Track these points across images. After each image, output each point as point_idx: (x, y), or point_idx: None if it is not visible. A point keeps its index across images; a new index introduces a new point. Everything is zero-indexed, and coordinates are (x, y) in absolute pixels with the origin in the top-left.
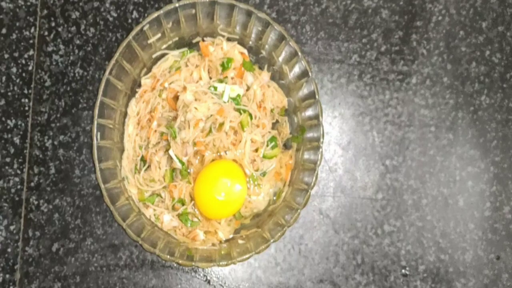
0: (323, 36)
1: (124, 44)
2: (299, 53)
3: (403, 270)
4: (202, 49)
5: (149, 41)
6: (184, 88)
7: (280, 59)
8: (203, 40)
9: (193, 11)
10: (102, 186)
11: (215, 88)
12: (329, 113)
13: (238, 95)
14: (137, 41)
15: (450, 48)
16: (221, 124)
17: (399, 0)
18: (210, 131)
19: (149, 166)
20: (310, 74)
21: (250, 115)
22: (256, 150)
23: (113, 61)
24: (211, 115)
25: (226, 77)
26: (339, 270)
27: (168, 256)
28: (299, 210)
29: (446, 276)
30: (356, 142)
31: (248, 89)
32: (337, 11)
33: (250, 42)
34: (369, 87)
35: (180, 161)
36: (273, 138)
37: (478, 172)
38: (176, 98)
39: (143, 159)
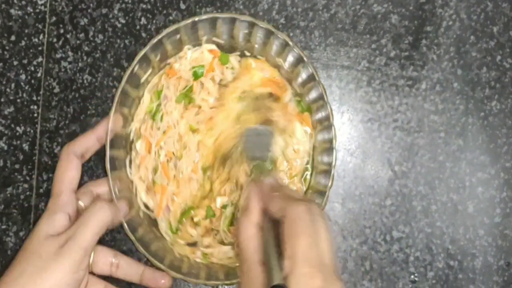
0: (332, 42)
1: (118, 92)
2: (305, 59)
3: (411, 277)
4: (167, 71)
5: (141, 80)
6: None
7: (286, 64)
8: None
9: (178, 36)
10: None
11: None
12: (337, 119)
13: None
14: (131, 84)
15: (461, 53)
16: None
17: (408, 5)
18: None
19: None
20: (326, 98)
21: None
22: None
23: (112, 112)
24: None
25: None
26: (347, 276)
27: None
28: None
29: (455, 282)
30: (364, 148)
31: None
32: (346, 16)
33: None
34: (378, 93)
35: None
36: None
37: (488, 178)
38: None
39: None
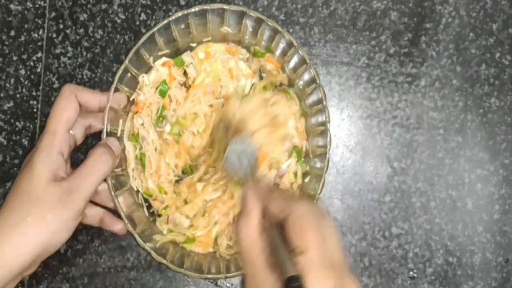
0: (331, 38)
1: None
2: (295, 44)
3: (410, 273)
4: (134, 109)
5: (118, 134)
6: None
7: (277, 53)
8: None
9: (128, 74)
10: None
11: None
12: (337, 116)
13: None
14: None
15: (460, 50)
16: None
17: (408, 2)
18: None
19: None
20: (318, 81)
21: None
22: None
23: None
24: None
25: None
26: None
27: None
28: None
29: (454, 279)
30: (364, 144)
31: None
32: (346, 13)
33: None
34: (378, 89)
35: None
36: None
37: (487, 175)
38: None
39: None
